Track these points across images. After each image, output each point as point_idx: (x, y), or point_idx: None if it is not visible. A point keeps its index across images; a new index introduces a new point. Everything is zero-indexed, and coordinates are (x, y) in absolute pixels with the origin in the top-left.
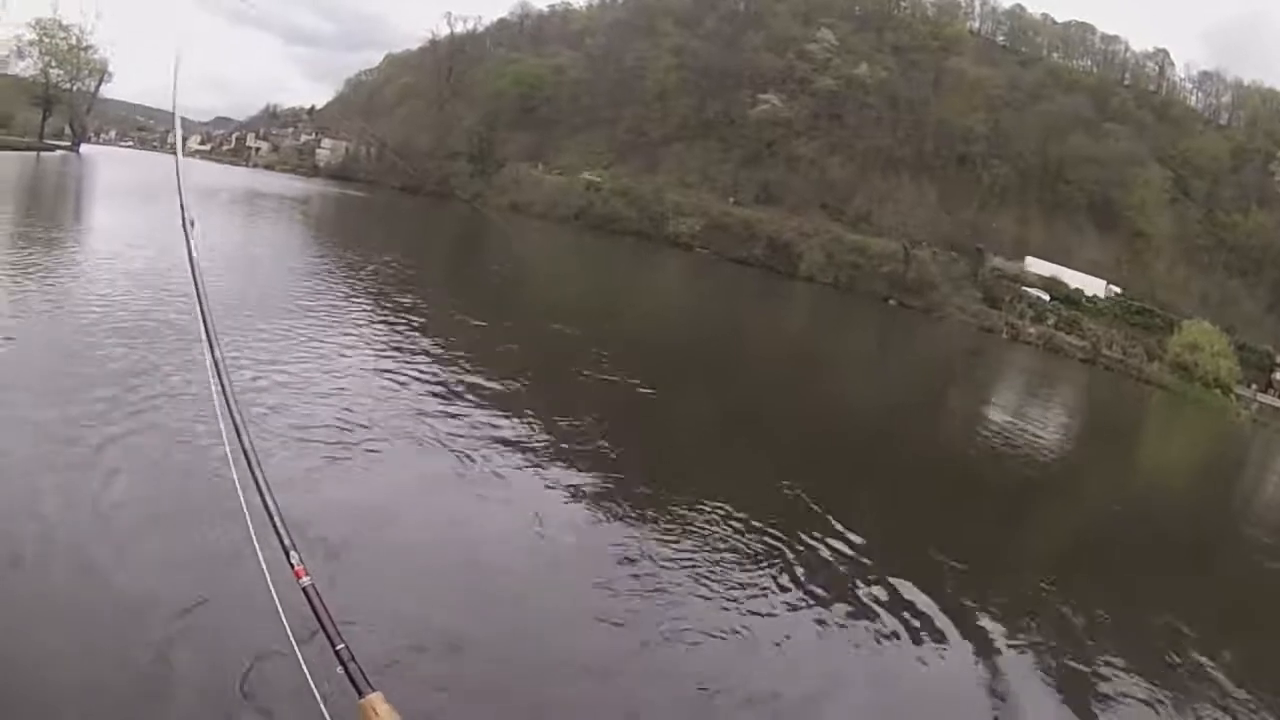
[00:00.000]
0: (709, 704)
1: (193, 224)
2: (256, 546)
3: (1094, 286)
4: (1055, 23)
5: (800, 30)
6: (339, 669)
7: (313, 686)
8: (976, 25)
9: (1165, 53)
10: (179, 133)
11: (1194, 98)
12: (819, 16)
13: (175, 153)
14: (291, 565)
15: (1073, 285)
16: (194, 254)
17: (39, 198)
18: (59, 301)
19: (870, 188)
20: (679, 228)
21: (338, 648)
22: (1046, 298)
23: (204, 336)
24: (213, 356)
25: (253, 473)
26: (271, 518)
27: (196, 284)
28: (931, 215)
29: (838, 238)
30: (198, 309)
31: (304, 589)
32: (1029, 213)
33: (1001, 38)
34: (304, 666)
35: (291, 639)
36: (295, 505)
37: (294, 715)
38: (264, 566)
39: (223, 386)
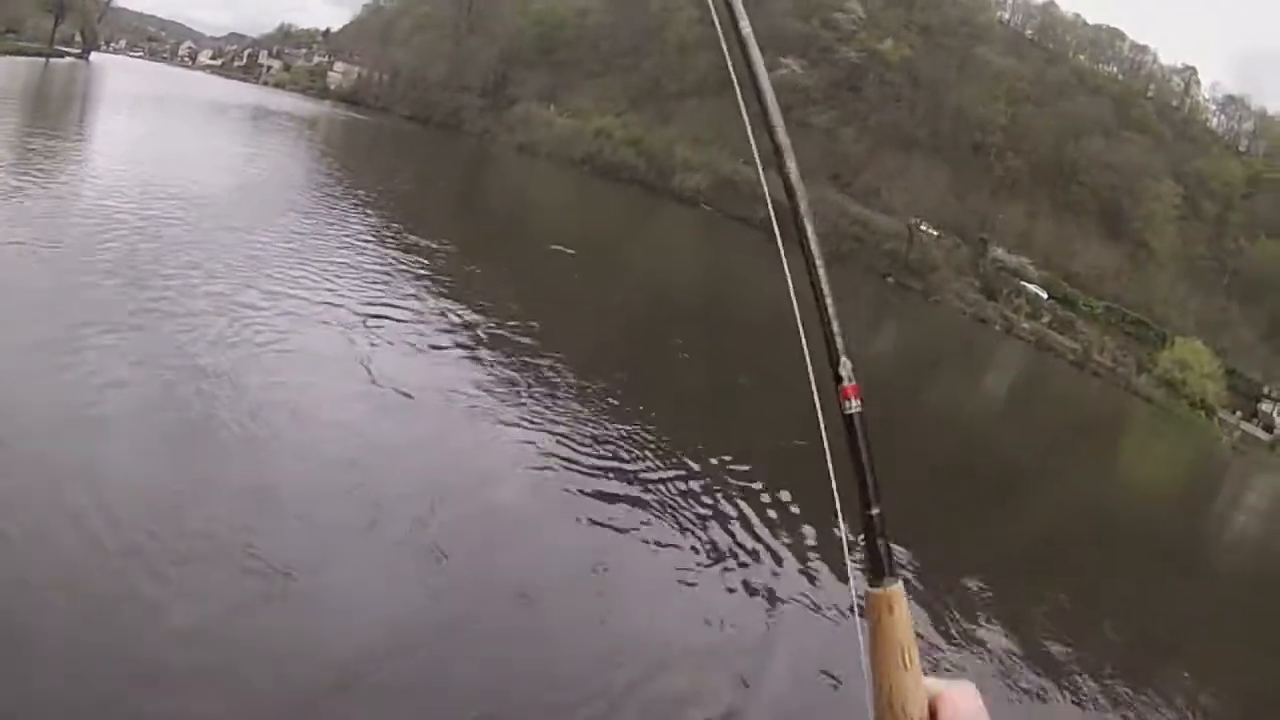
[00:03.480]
0: None
1: None
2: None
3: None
4: (1086, 24)
5: None
6: (861, 539)
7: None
8: (1007, 16)
9: (1193, 70)
10: None
11: (1216, 120)
12: None
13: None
14: (839, 381)
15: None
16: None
17: (46, 105)
18: (69, 208)
19: (881, 164)
20: (685, 182)
21: (870, 512)
22: (1044, 295)
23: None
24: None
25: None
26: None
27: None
28: (939, 199)
29: (843, 209)
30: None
31: (847, 418)
32: (1037, 208)
33: (1030, 32)
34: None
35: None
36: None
37: None
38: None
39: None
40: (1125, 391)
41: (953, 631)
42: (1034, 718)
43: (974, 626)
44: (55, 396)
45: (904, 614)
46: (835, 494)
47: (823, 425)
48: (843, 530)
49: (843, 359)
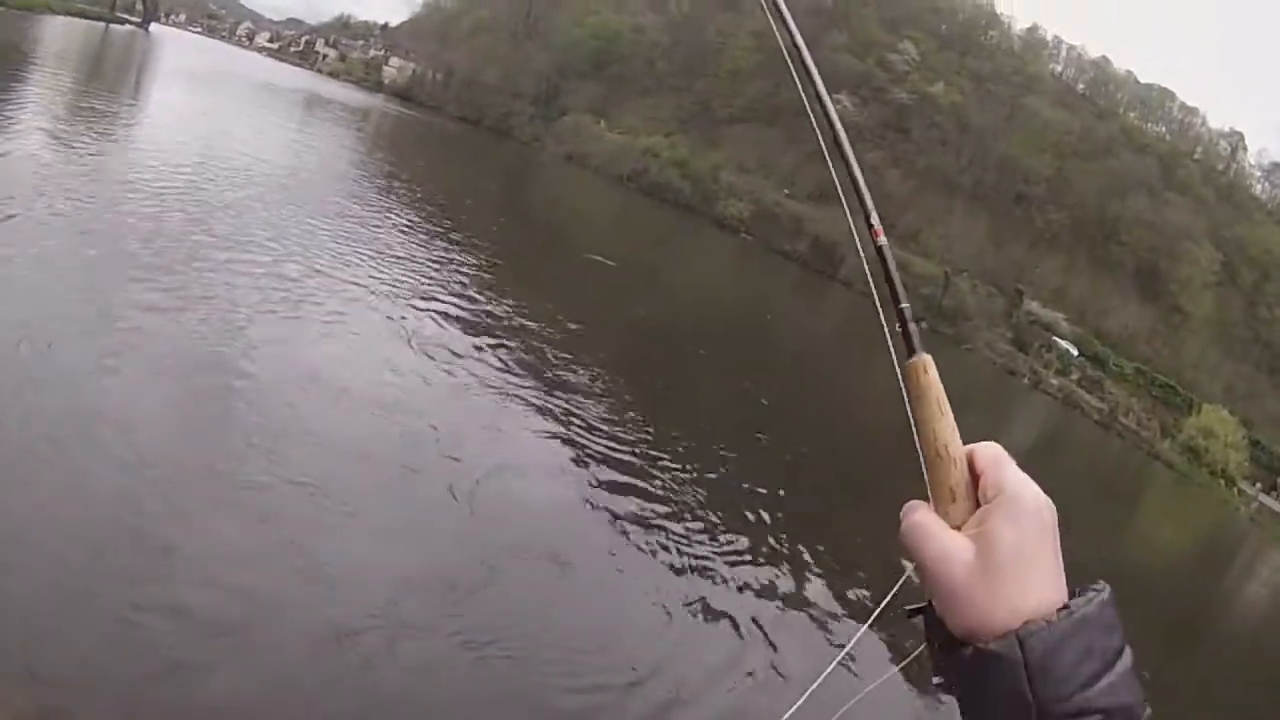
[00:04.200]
0: None
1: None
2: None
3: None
4: (1138, 82)
5: (883, 37)
6: (897, 327)
7: (888, 341)
8: (1059, 69)
9: (1240, 136)
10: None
11: (1260, 187)
12: (904, 28)
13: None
14: (870, 226)
15: None
16: None
17: (102, 69)
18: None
19: (924, 207)
20: (728, 209)
21: (900, 306)
22: (1075, 352)
23: None
24: None
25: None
26: (856, 185)
27: None
28: (978, 246)
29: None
30: None
31: (878, 248)
32: (1075, 263)
33: (1082, 86)
34: (883, 324)
35: (873, 291)
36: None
37: None
38: (852, 228)
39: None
40: (1147, 455)
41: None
42: None
43: None
44: (94, 362)
45: (935, 373)
46: (875, 299)
47: (863, 257)
48: (882, 320)
49: (872, 211)
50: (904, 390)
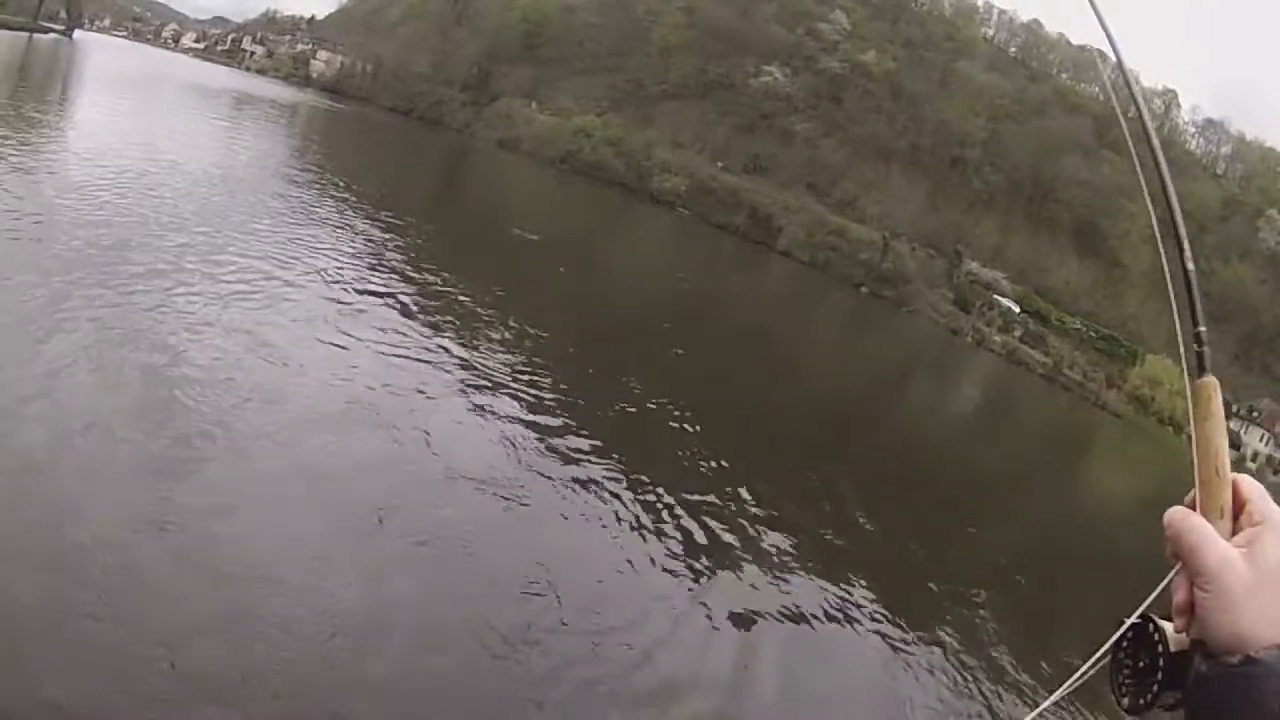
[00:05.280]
0: None
1: None
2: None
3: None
4: (1069, 44)
5: (814, 7)
6: (1195, 348)
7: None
8: (991, 33)
9: (1174, 94)
10: None
11: (1195, 143)
12: None
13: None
14: (1181, 250)
15: None
16: None
17: (29, 80)
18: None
19: (859, 174)
20: (664, 185)
21: (1198, 329)
22: (1017, 309)
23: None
24: None
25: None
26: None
27: None
28: (916, 211)
29: (820, 218)
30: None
31: (1186, 272)
32: (1013, 224)
33: (1014, 49)
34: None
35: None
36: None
37: None
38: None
39: None
40: (1094, 406)
41: (916, 632)
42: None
43: (939, 631)
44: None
45: (1220, 399)
46: (1173, 303)
47: (1168, 276)
48: (1178, 326)
49: (1184, 236)
50: (1189, 407)
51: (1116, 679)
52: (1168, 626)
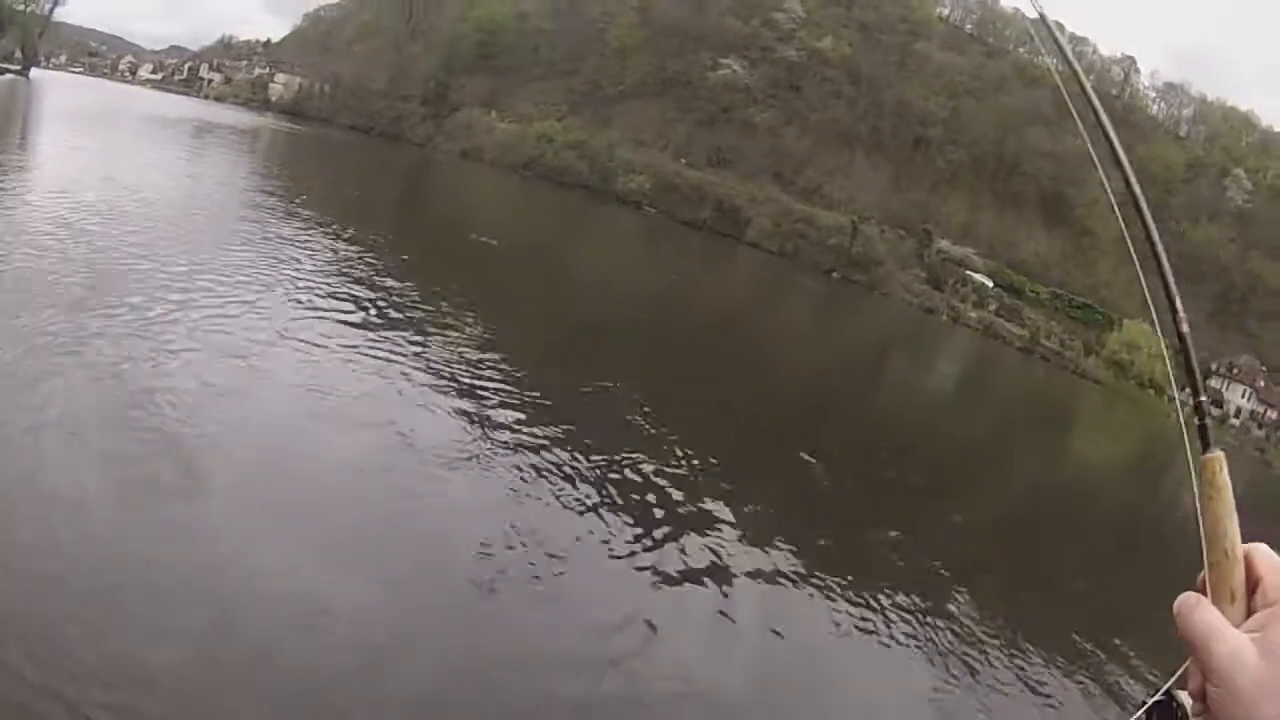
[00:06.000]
0: None
1: None
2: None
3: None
4: (1025, 17)
5: None
6: (1196, 421)
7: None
8: (946, 12)
9: (1132, 60)
10: None
11: (1156, 107)
12: None
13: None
14: (1174, 313)
15: None
16: None
17: None
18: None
19: (823, 161)
20: (628, 184)
21: (1199, 400)
22: (990, 284)
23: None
24: None
25: None
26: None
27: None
28: (882, 193)
29: (786, 207)
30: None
31: (1180, 335)
32: (980, 200)
33: (970, 26)
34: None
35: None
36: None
37: None
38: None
39: None
40: (1074, 374)
41: (907, 603)
42: (989, 673)
43: (930, 601)
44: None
45: (1226, 473)
46: (1173, 384)
47: (1164, 344)
48: (1177, 400)
49: (1177, 297)
50: (1194, 484)
51: None
52: (1190, 704)
